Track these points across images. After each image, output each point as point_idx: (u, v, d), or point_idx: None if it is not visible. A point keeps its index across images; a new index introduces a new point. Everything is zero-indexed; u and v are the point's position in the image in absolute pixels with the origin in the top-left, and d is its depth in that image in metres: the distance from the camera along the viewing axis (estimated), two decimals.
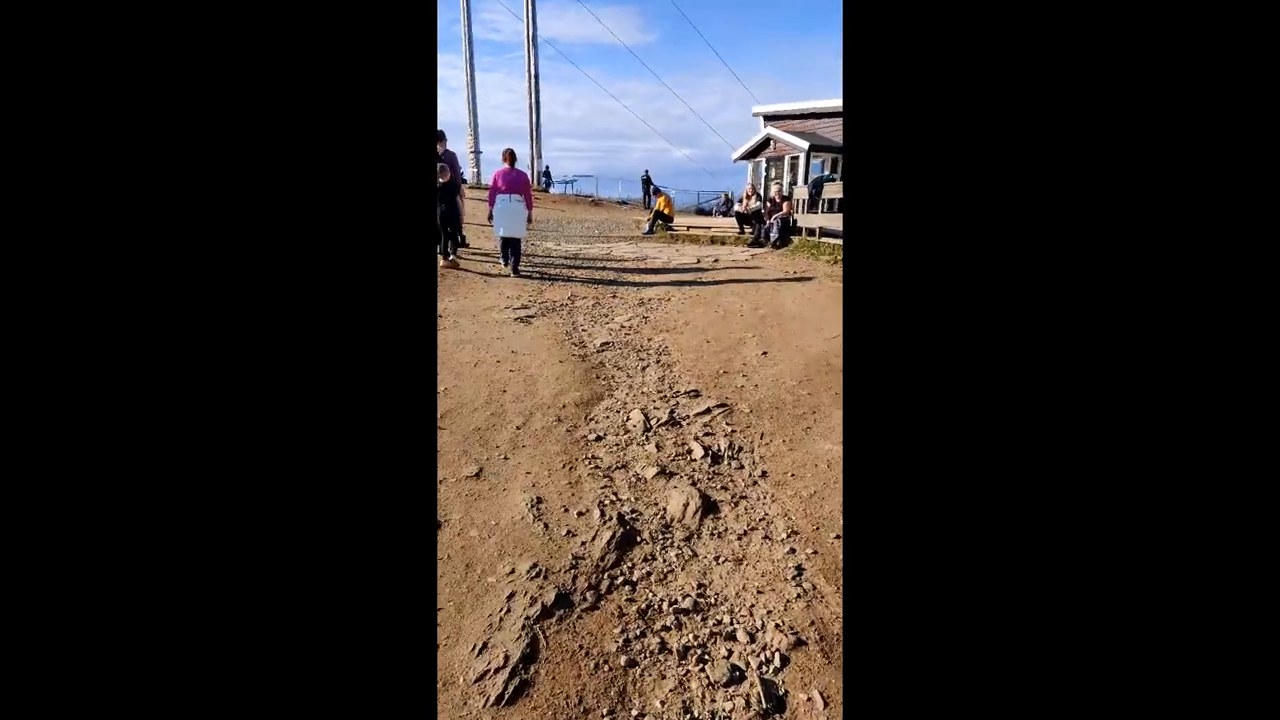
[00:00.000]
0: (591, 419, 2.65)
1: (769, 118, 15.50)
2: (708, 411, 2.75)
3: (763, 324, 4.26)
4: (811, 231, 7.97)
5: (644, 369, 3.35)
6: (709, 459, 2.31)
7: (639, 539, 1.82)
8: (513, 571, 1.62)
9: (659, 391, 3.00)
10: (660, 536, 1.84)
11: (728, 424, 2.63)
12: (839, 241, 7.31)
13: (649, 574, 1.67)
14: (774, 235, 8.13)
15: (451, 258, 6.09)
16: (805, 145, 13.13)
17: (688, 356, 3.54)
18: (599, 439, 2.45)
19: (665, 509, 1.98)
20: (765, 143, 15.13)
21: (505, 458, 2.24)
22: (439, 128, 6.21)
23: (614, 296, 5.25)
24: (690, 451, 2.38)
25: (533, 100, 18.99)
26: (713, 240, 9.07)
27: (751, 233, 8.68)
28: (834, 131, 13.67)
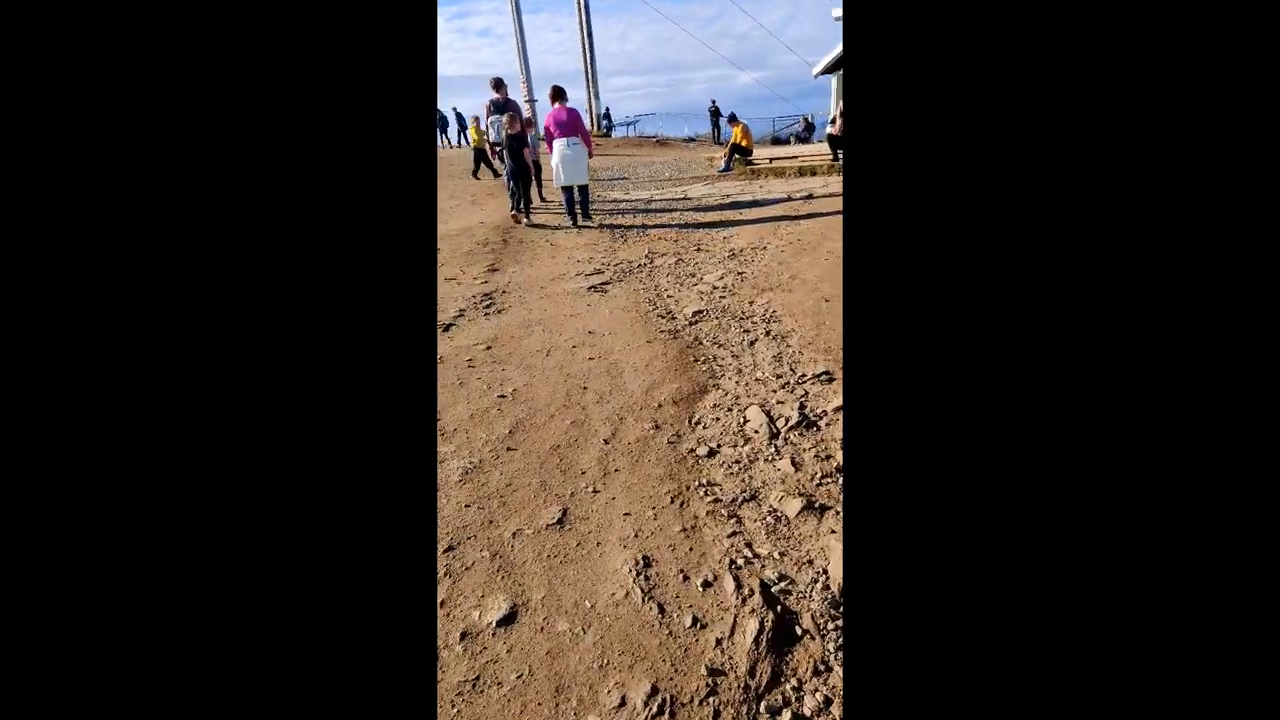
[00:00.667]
0: (698, 422, 2.06)
1: None
2: None
3: None
4: None
5: (752, 344, 2.68)
6: None
7: (799, 629, 1.24)
8: (623, 702, 1.09)
9: (777, 376, 2.34)
10: (830, 624, 1.25)
11: None
12: None
13: (827, 702, 1.09)
14: None
15: (515, 213, 5.60)
16: None
17: (805, 324, 2.82)
18: (712, 454, 1.86)
19: (826, 571, 1.38)
20: None
21: (594, 490, 1.71)
22: (498, 76, 5.78)
23: (698, 250, 4.53)
24: (841, 469, 1.73)
25: (584, 35, 17.71)
26: (800, 171, 7.93)
27: None
28: None
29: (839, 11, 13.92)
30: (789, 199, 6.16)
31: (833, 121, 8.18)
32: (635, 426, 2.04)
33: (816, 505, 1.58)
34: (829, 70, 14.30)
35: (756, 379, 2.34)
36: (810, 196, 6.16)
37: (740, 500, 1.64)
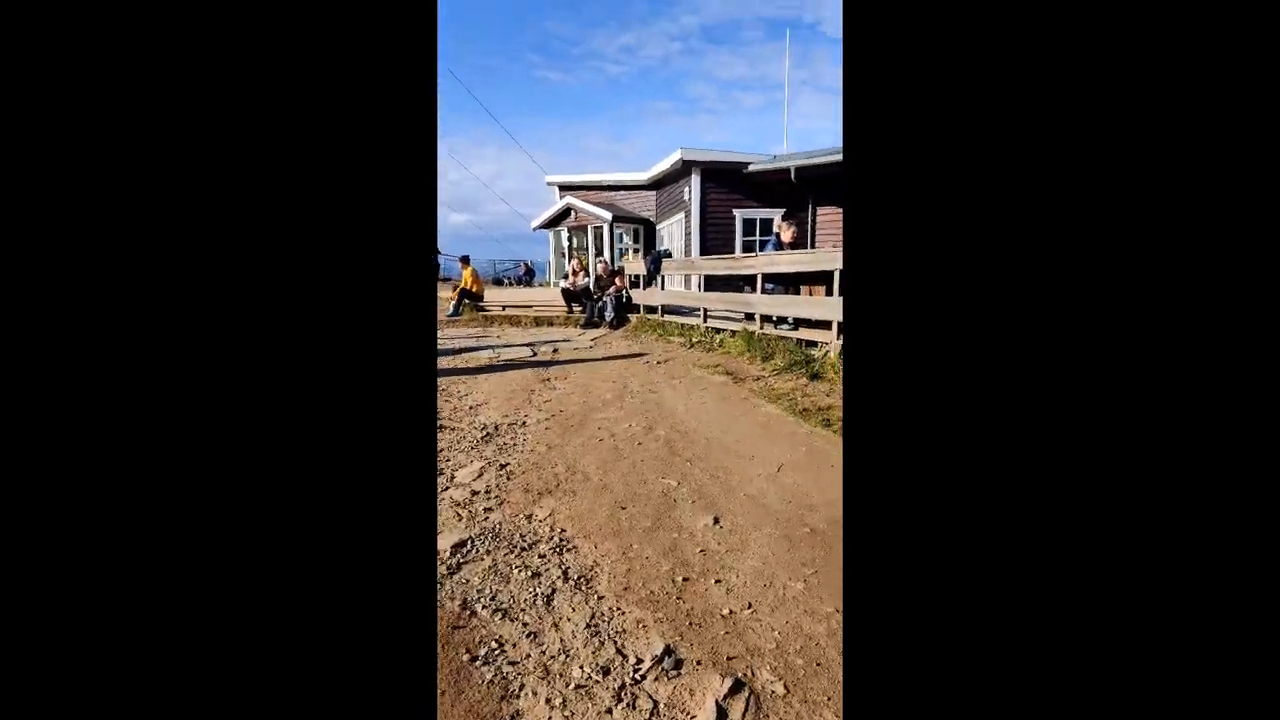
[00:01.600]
0: None
1: (565, 187, 15.15)
2: (722, 719, 1.42)
3: (674, 457, 3.10)
4: (652, 309, 7.26)
5: (548, 603, 1.87)
6: None
7: None
8: None
9: (603, 670, 1.57)
10: None
11: None
12: (685, 320, 6.71)
13: None
14: (609, 314, 7.23)
15: None
16: (609, 216, 12.94)
17: (609, 550, 2.16)
18: None
19: None
20: (566, 212, 14.69)
21: None
22: None
23: (440, 427, 3.58)
24: None
25: None
26: (537, 321, 7.79)
27: (583, 311, 7.66)
28: (632, 204, 13.82)
29: (551, 178, 15.60)
30: (535, 355, 5.75)
31: (567, 276, 8.46)
32: None
33: None
34: (545, 226, 15.55)
35: (576, 685, 1.52)
36: (556, 351, 5.88)
37: None
